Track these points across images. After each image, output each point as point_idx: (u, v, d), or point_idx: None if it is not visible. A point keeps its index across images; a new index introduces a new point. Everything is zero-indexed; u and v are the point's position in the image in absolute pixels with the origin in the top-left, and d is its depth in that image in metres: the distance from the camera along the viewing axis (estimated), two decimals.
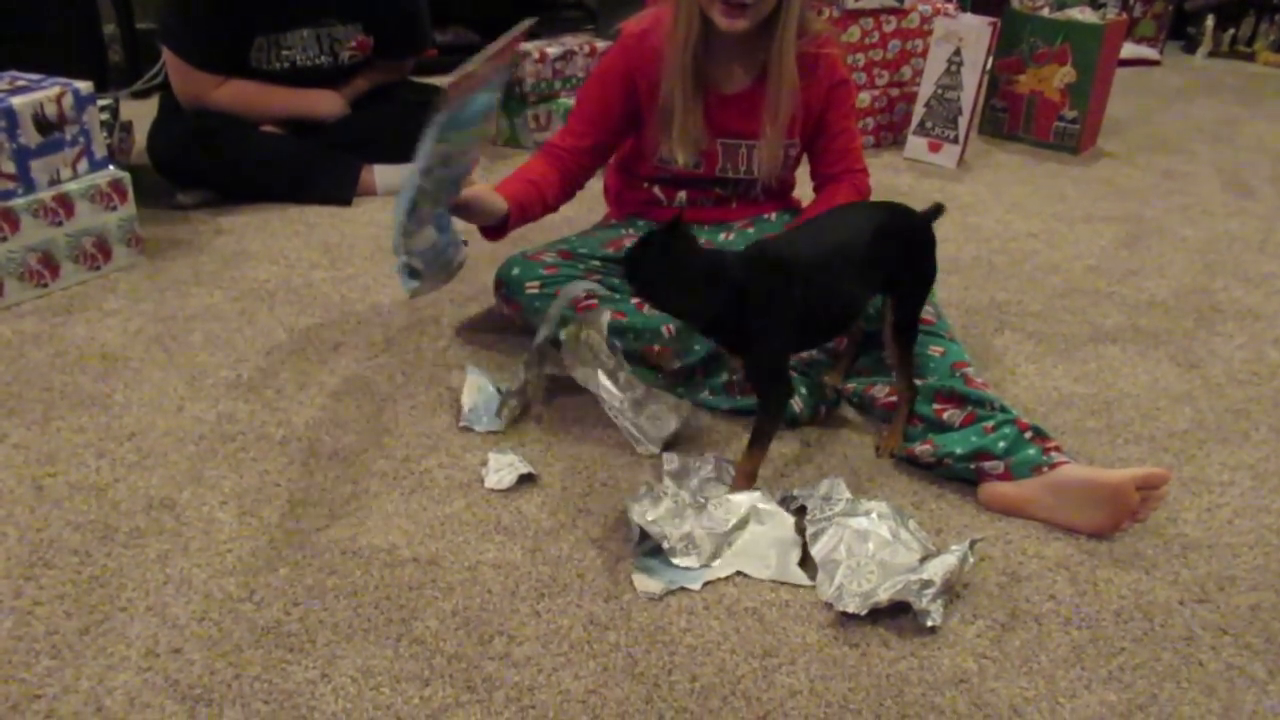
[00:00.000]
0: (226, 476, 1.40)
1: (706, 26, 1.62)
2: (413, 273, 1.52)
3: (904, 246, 1.46)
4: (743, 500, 1.33)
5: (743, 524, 1.31)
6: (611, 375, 1.53)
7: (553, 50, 2.79)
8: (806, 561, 1.27)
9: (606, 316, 1.58)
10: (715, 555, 1.27)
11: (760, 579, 1.25)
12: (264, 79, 2.30)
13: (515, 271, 1.70)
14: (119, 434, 1.48)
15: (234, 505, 1.34)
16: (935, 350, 1.56)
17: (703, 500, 1.33)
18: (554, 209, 1.75)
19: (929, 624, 1.17)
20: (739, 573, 1.25)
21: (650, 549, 1.27)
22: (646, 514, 1.28)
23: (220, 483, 1.39)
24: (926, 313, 1.60)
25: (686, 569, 1.24)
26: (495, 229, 1.64)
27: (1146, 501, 1.33)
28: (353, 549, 1.27)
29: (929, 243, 1.49)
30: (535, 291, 1.67)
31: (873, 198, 1.77)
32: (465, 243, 1.64)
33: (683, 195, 1.82)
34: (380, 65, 2.48)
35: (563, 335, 1.56)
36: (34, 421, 1.50)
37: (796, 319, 1.35)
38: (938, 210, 1.51)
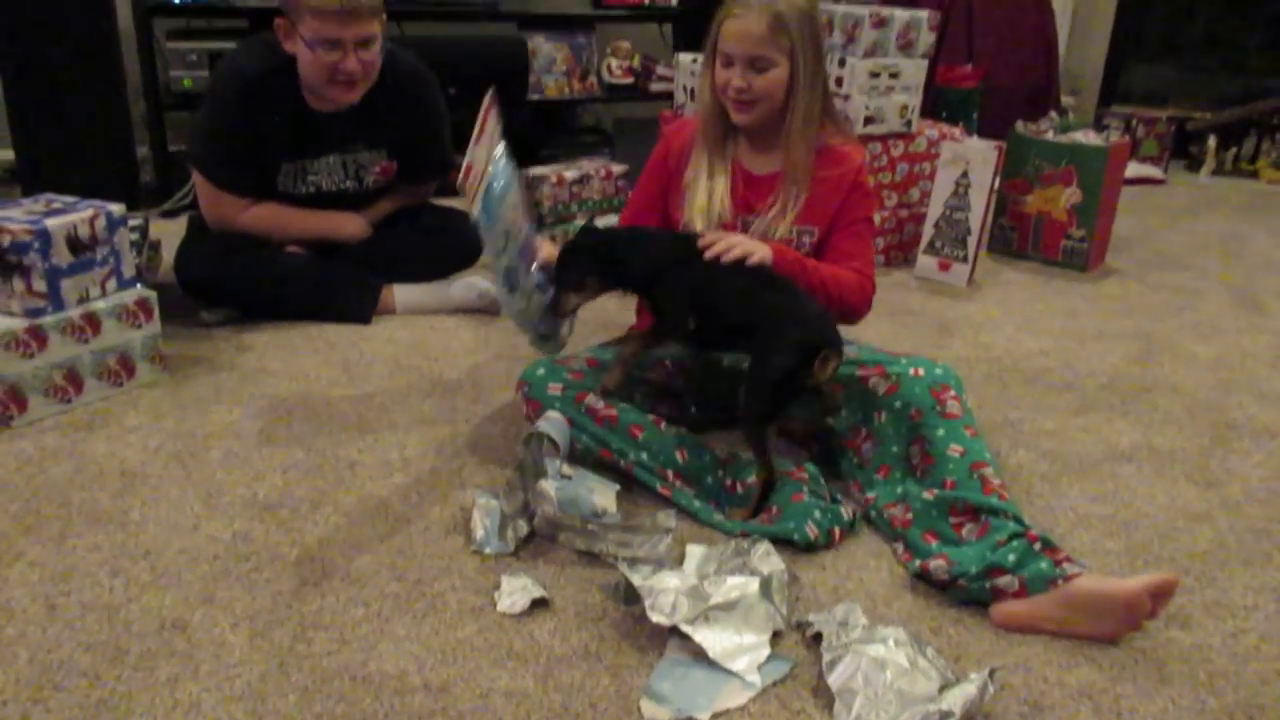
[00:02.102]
0: (239, 597, 1.39)
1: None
2: (544, 339, 1.78)
3: (764, 339, 1.61)
4: (737, 584, 1.35)
5: (729, 606, 1.33)
6: (550, 478, 1.55)
7: (570, 174, 2.88)
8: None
9: (548, 427, 1.61)
10: (689, 621, 1.30)
11: (748, 691, 1.24)
12: (290, 202, 2.37)
13: (540, 372, 1.73)
14: (134, 552, 1.48)
15: (245, 627, 1.33)
16: (955, 450, 1.56)
17: (699, 579, 1.37)
18: None
19: None
20: (751, 703, 1.23)
21: (660, 676, 1.26)
22: (639, 575, 1.34)
23: (233, 603, 1.38)
24: (951, 407, 1.61)
25: (688, 684, 1.23)
26: None
27: (1157, 603, 1.35)
28: (363, 674, 1.26)
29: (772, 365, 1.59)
30: (557, 394, 1.70)
31: (882, 316, 1.82)
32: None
33: None
34: (403, 189, 2.55)
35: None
36: (50, 539, 1.51)
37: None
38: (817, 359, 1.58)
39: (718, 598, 1.33)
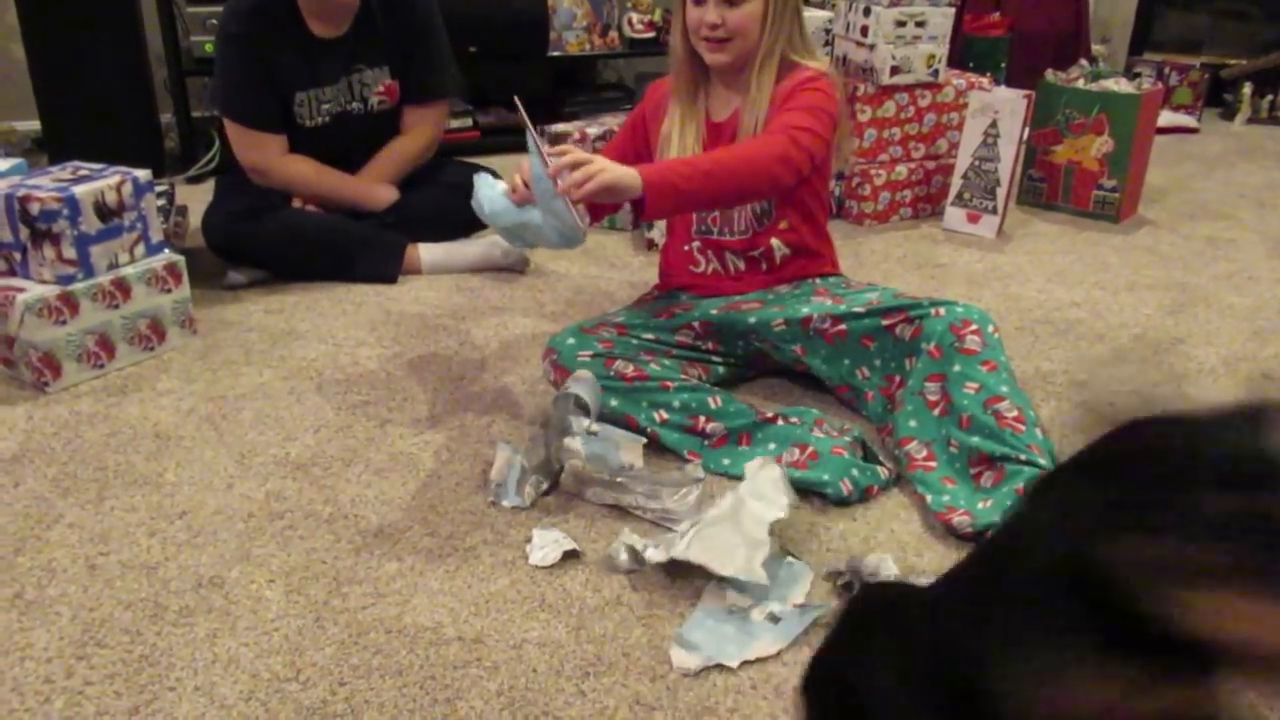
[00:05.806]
0: (275, 554, 1.41)
1: (702, 59, 1.74)
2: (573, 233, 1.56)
3: None
4: (727, 499, 1.37)
5: (719, 520, 1.34)
6: (576, 434, 1.55)
7: (593, 130, 2.85)
8: None
9: (578, 387, 1.60)
10: (685, 542, 1.32)
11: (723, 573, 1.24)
12: (309, 135, 2.38)
13: (570, 341, 1.73)
14: (170, 513, 1.50)
15: (281, 583, 1.35)
16: (970, 387, 1.55)
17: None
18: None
19: None
20: (782, 653, 1.24)
21: (692, 627, 1.27)
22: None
23: (269, 561, 1.40)
24: (970, 342, 1.59)
25: (716, 632, 1.23)
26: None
27: None
28: (398, 627, 1.27)
29: None
30: (587, 360, 1.69)
31: (910, 269, 1.79)
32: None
33: (715, 264, 1.86)
34: (410, 115, 2.52)
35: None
36: (88, 501, 1.53)
37: None
38: None
39: (708, 516, 1.35)
